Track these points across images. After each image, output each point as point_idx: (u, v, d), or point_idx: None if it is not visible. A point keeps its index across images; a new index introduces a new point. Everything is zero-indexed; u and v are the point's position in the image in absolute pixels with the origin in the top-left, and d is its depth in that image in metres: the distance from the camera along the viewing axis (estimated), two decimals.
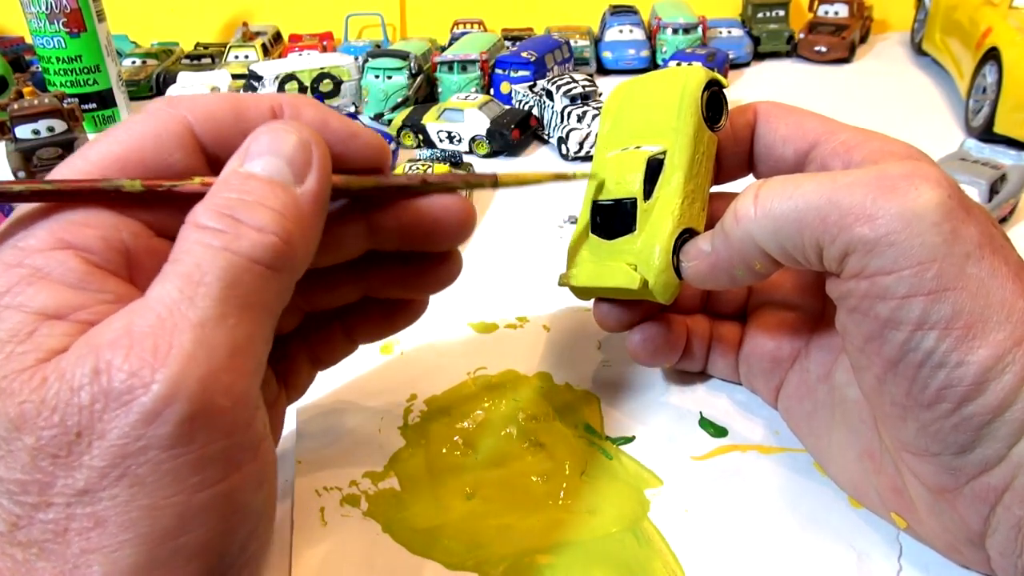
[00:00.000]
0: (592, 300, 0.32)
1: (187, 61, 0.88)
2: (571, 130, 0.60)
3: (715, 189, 0.32)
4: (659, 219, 0.28)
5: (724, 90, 0.30)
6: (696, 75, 0.30)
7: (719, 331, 0.33)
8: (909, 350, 0.22)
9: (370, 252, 0.27)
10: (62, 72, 0.70)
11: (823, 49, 0.86)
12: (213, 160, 0.23)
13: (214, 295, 0.19)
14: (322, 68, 0.72)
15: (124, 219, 0.21)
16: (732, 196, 0.27)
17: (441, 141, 0.64)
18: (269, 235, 0.20)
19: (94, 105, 0.72)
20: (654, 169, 0.29)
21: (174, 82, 0.74)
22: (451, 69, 0.73)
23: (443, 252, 0.28)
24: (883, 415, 0.24)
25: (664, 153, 0.29)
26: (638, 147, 0.30)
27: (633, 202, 0.29)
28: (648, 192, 0.29)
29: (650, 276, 0.28)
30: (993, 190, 0.46)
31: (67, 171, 0.21)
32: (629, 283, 0.28)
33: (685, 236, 0.28)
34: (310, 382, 0.31)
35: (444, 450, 0.31)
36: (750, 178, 0.32)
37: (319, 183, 0.22)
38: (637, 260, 0.29)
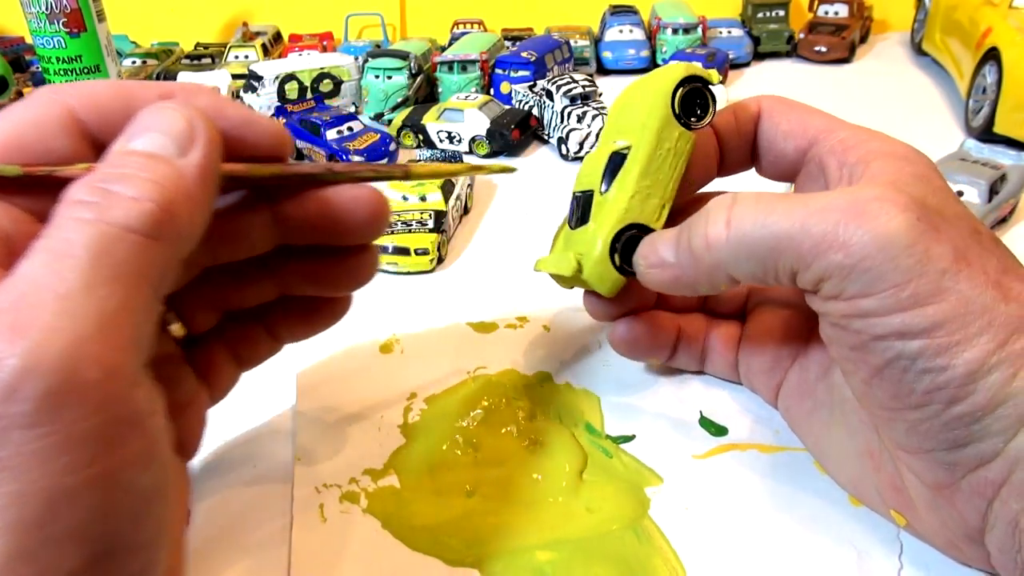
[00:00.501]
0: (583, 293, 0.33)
1: (187, 61, 0.88)
2: (571, 130, 0.60)
3: (715, 186, 0.32)
4: (608, 211, 0.29)
5: (711, 86, 0.30)
6: (672, 72, 0.30)
7: (717, 330, 0.33)
8: (892, 359, 0.22)
9: (284, 248, 0.27)
10: (62, 72, 0.70)
11: (823, 49, 0.86)
12: (101, 148, 0.22)
13: (81, 266, 0.18)
14: (322, 68, 0.72)
15: (4, 206, 0.21)
16: (711, 196, 0.27)
17: (441, 141, 0.64)
18: (145, 203, 0.19)
19: None
20: (616, 163, 0.29)
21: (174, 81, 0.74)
22: (451, 69, 0.73)
23: (357, 247, 0.28)
24: (873, 416, 0.24)
25: (629, 148, 0.29)
26: (614, 142, 0.30)
27: (591, 194, 0.29)
28: (608, 185, 0.29)
29: (586, 265, 0.29)
30: (993, 190, 0.46)
31: None
32: (564, 270, 0.29)
33: (632, 231, 0.29)
34: (234, 382, 0.30)
35: (444, 448, 0.31)
36: (752, 175, 0.32)
37: (205, 156, 0.21)
38: (583, 249, 0.29)
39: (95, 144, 0.23)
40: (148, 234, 0.19)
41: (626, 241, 0.29)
